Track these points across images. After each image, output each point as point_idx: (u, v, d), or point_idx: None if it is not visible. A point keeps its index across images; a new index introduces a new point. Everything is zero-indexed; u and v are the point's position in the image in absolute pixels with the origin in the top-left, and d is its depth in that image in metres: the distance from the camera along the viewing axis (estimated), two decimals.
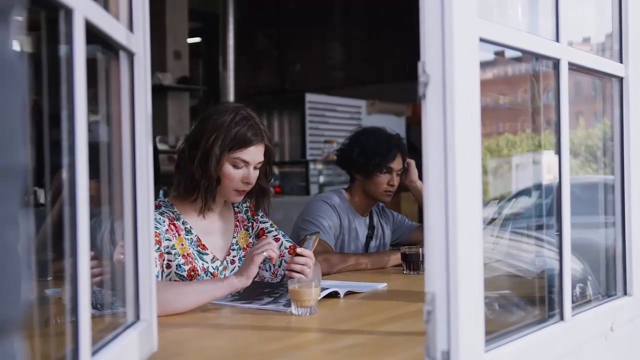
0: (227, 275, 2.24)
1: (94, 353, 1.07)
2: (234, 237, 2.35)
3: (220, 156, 2.15)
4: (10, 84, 0.54)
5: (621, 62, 1.78)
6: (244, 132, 2.16)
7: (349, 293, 2.17)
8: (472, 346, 1.18)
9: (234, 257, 2.32)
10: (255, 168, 2.22)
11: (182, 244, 2.18)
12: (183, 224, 2.22)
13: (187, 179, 2.20)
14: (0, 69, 0.53)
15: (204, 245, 2.24)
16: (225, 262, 2.28)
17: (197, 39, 10.50)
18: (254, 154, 2.19)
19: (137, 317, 1.36)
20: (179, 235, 2.19)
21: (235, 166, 2.18)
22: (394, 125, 6.19)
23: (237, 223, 2.38)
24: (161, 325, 1.46)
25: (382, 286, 2.33)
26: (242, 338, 1.69)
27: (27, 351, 0.64)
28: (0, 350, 0.55)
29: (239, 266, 2.28)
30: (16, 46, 0.56)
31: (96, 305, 1.32)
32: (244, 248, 2.35)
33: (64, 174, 0.99)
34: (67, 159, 0.99)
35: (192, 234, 2.22)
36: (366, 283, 2.32)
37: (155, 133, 1.65)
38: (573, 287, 1.58)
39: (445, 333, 1.15)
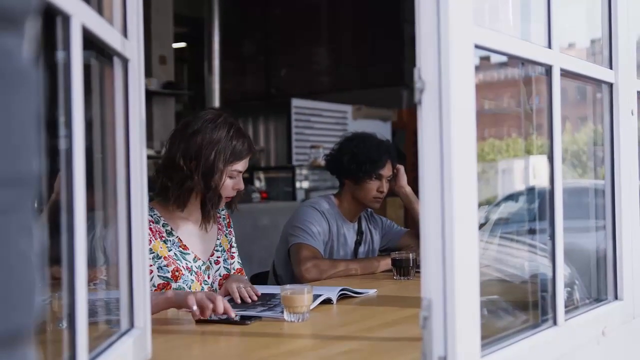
0: (211, 275, 2.33)
1: None
2: (218, 239, 2.41)
3: (224, 170, 2.24)
4: (24, 92, 0.54)
5: (611, 68, 1.80)
6: (241, 146, 2.27)
7: (342, 297, 2.17)
8: (468, 351, 1.18)
9: (218, 257, 2.39)
10: (242, 175, 2.33)
11: (161, 247, 2.22)
12: (163, 226, 2.27)
13: (185, 193, 2.24)
14: (15, 77, 0.53)
15: (185, 245, 2.29)
16: (208, 262, 2.34)
17: (182, 44, 10.48)
18: (246, 163, 2.32)
19: (132, 325, 1.35)
20: (156, 238, 2.23)
21: (231, 177, 2.28)
22: (380, 130, 6.18)
23: (220, 226, 2.45)
24: (155, 332, 1.45)
25: (372, 292, 2.33)
26: (235, 345, 1.68)
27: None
28: (17, 358, 0.55)
29: (224, 267, 2.38)
30: (29, 54, 0.56)
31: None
32: (227, 250, 2.43)
33: (62, 181, 0.98)
34: (64, 166, 0.98)
35: (173, 235, 2.27)
36: (358, 289, 2.32)
37: None
38: None
39: (442, 338, 1.16)
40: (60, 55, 0.99)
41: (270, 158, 8.13)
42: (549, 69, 1.51)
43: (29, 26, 0.57)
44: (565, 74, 1.57)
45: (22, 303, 0.55)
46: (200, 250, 2.32)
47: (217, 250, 2.39)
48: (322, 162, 3.13)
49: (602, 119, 1.84)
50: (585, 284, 1.88)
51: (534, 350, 1.41)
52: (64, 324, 1.09)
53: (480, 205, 2.04)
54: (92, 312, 1.31)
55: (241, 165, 2.28)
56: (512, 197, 2.77)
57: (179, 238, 2.28)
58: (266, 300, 2.13)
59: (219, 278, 2.35)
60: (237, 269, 2.45)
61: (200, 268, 2.29)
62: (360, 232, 3.12)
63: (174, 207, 2.28)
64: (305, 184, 7.34)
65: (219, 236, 2.42)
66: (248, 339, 1.72)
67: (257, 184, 7.37)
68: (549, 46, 1.51)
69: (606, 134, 1.83)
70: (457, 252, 1.15)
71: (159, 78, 7.70)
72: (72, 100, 0.99)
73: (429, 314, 1.16)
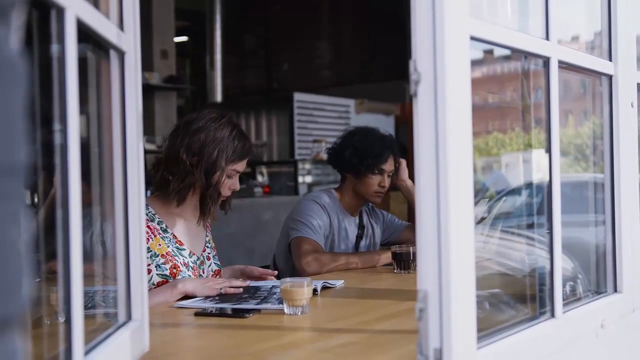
0: (205, 270, 2.37)
1: (86, 353, 1.06)
2: (207, 236, 2.46)
3: (225, 169, 2.27)
4: (12, 82, 0.54)
5: (610, 60, 1.79)
6: (242, 147, 2.31)
7: (324, 288, 2.22)
8: (464, 343, 1.18)
9: (208, 254, 2.43)
10: (240, 174, 2.37)
11: (160, 244, 2.25)
12: (158, 223, 2.29)
13: (186, 188, 2.27)
14: (2, 67, 0.53)
15: (180, 241, 2.31)
16: (202, 257, 2.38)
17: (184, 38, 10.48)
18: (244, 164, 2.35)
19: (129, 317, 1.35)
20: (155, 236, 2.25)
21: (229, 176, 2.31)
22: (383, 124, 6.20)
23: (208, 224, 2.48)
24: (152, 325, 1.46)
25: (339, 283, 2.35)
26: (233, 338, 1.68)
27: (27, 348, 0.63)
28: (3, 347, 0.55)
29: (214, 263, 2.43)
30: (16, 44, 0.56)
31: (86, 304, 1.31)
32: (213, 247, 2.48)
33: (56, 175, 0.99)
34: (59, 160, 0.98)
35: (168, 232, 2.30)
36: (331, 280, 2.35)
37: None
38: (563, 285, 1.58)
39: (438, 330, 1.16)
40: (54, 48, 0.99)
41: (273, 152, 8.12)
42: (546, 61, 1.51)
43: (15, 16, 0.57)
44: (564, 66, 1.57)
45: (10, 291, 0.55)
46: (193, 246, 2.36)
47: (207, 247, 2.44)
48: (324, 156, 3.13)
49: (602, 112, 1.84)
50: (585, 277, 1.88)
51: (531, 342, 1.41)
52: (62, 318, 1.09)
53: (483, 199, 2.04)
54: (90, 305, 1.31)
55: (240, 166, 2.32)
56: (514, 191, 2.76)
57: (174, 235, 2.30)
58: (253, 293, 2.12)
59: (211, 274, 2.37)
60: (215, 270, 2.45)
61: (196, 263, 2.34)
62: (361, 226, 3.12)
63: (171, 203, 2.29)
64: (308, 179, 7.34)
65: (207, 233, 2.46)
66: (246, 331, 1.72)
67: (260, 178, 7.37)
68: (547, 38, 1.51)
69: (606, 127, 1.82)
70: (453, 243, 1.15)
71: (161, 72, 7.70)
72: (67, 94, 0.99)
73: (424, 306, 1.16)
